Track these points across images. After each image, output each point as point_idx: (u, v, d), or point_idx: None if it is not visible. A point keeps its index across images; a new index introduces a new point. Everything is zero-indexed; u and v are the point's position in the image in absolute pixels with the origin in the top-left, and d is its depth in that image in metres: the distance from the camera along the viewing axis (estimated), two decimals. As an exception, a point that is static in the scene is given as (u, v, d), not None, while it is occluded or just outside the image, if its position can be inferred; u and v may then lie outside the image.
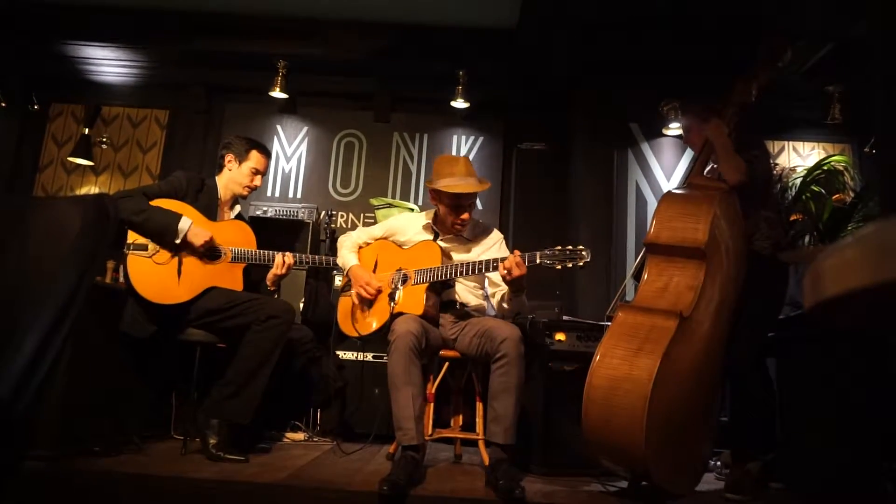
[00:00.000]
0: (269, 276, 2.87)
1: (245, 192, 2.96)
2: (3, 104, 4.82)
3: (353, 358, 3.61)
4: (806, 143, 4.89)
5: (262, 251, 2.83)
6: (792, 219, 4.06)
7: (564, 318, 3.13)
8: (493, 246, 2.81)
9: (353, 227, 4.87)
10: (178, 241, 2.63)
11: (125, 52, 4.75)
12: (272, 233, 3.82)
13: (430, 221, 2.85)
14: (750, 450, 2.47)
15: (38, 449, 2.20)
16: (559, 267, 2.33)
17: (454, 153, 4.99)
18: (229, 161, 2.94)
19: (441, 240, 2.78)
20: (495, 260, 2.45)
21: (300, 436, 3.27)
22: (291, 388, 2.97)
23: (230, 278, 2.76)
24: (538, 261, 2.36)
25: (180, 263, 2.68)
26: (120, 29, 4.56)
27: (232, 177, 2.93)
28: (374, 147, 5.08)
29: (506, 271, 2.37)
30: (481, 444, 2.69)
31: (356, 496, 2.08)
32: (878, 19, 2.56)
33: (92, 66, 4.90)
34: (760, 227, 2.55)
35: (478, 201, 4.89)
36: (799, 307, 2.93)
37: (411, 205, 4.49)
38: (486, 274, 2.73)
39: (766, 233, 2.55)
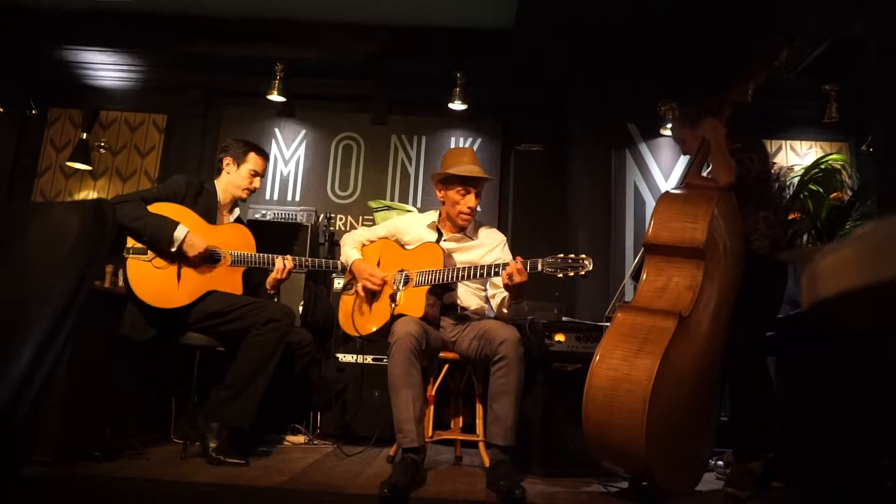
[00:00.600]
0: (269, 280, 2.86)
1: (244, 195, 2.96)
2: (2, 109, 4.82)
3: (353, 360, 3.60)
4: (803, 141, 4.90)
5: (261, 255, 2.83)
6: (790, 218, 4.07)
7: (563, 318, 3.13)
8: (496, 248, 2.82)
9: (352, 230, 4.87)
10: (173, 250, 2.62)
11: (123, 57, 4.75)
12: (271, 236, 3.83)
13: (434, 220, 2.85)
14: (750, 449, 2.48)
15: (37, 454, 2.20)
16: (560, 276, 2.34)
17: (451, 148, 4.99)
18: (227, 164, 2.94)
19: (445, 240, 2.79)
20: (497, 265, 2.46)
21: (300, 439, 3.27)
22: (291, 390, 2.97)
23: (230, 282, 2.76)
24: (540, 268, 2.36)
25: (180, 267, 2.67)
26: (118, 33, 4.56)
27: (230, 180, 2.93)
28: (372, 149, 5.08)
29: (507, 278, 2.38)
30: (481, 446, 2.69)
31: (357, 499, 2.08)
32: (876, 17, 2.56)
33: (90, 70, 4.90)
34: (759, 226, 2.55)
35: (476, 203, 4.91)
36: (798, 306, 2.93)
37: (410, 207, 4.49)
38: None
39: (765, 232, 2.55)
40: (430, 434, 2.65)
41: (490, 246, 2.81)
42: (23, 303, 1.01)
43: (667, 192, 2.46)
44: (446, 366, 2.84)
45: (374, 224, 4.20)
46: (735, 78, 2.53)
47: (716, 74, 2.75)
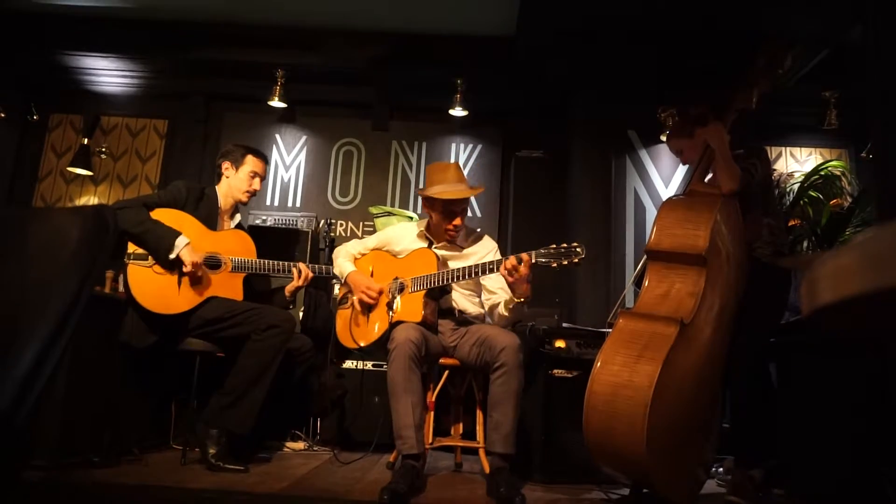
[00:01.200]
0: (289, 287, 2.88)
1: (245, 198, 2.95)
2: (3, 115, 4.83)
3: (353, 367, 3.60)
4: (803, 148, 4.91)
5: (262, 261, 2.83)
6: (790, 224, 4.07)
7: (564, 325, 3.13)
8: (488, 254, 2.81)
9: (353, 236, 4.88)
10: (172, 256, 2.62)
11: (124, 63, 4.77)
12: (272, 242, 3.83)
13: (423, 230, 2.85)
14: (752, 456, 2.47)
15: (37, 459, 2.20)
16: (555, 265, 2.33)
17: (453, 161, 4.99)
18: (226, 168, 2.94)
19: (435, 248, 2.78)
20: (491, 263, 2.45)
21: (300, 445, 3.26)
22: (291, 397, 2.96)
23: (230, 288, 2.76)
24: (533, 259, 2.35)
25: (180, 273, 2.67)
26: (119, 39, 4.58)
27: (231, 183, 2.93)
28: (372, 155, 5.09)
29: (507, 273, 2.37)
30: (482, 453, 2.68)
31: (356, 505, 2.08)
32: (875, 23, 2.57)
33: (91, 76, 4.92)
34: (762, 233, 2.55)
35: (476, 208, 4.92)
36: (798, 313, 2.93)
37: (410, 213, 4.50)
38: (482, 281, 2.73)
39: (768, 239, 2.55)
40: (430, 440, 2.64)
41: (481, 254, 2.81)
42: (23, 308, 1.01)
43: (669, 199, 2.46)
44: (446, 372, 2.84)
45: (375, 230, 4.21)
46: (739, 85, 2.54)
47: (716, 81, 2.76)
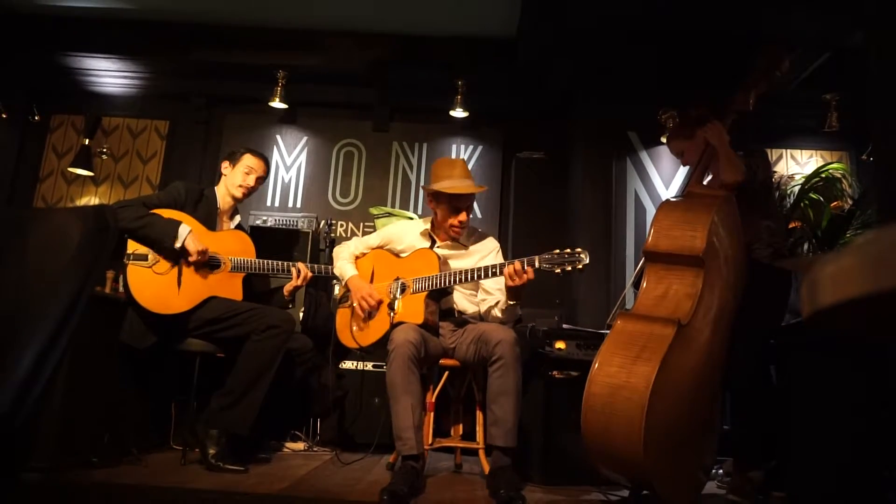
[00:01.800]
0: (288, 287, 2.88)
1: (239, 194, 2.94)
2: (4, 115, 4.84)
3: (353, 367, 3.60)
4: (804, 150, 4.91)
5: (261, 261, 2.83)
6: (790, 226, 4.07)
7: (564, 326, 3.13)
8: (490, 254, 2.81)
9: (353, 237, 4.87)
10: (178, 246, 2.62)
11: (125, 63, 4.78)
12: (272, 242, 3.83)
13: (427, 228, 2.85)
14: (752, 458, 2.47)
15: (36, 460, 2.20)
16: (558, 271, 2.33)
17: (442, 158, 5.00)
18: (225, 168, 2.97)
19: (438, 247, 2.78)
20: (494, 266, 2.45)
21: (300, 446, 3.26)
22: (291, 397, 2.97)
23: (230, 288, 2.76)
24: (537, 265, 2.36)
25: (180, 273, 2.68)
26: (120, 40, 4.59)
27: (227, 181, 2.95)
28: (373, 156, 5.09)
29: (509, 278, 2.37)
30: (481, 454, 2.68)
31: (356, 506, 2.07)
32: (875, 26, 2.57)
33: (92, 77, 4.92)
34: (761, 235, 2.55)
35: (477, 210, 4.92)
36: (799, 315, 2.93)
37: (411, 213, 4.49)
38: (481, 281, 2.73)
39: (767, 241, 2.55)
40: (429, 441, 2.64)
41: (483, 253, 2.81)
42: (24, 308, 1.01)
43: (667, 201, 2.47)
44: (446, 373, 2.84)
45: (375, 231, 4.21)
46: (737, 87, 2.54)
47: (716, 83, 2.76)
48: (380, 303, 2.68)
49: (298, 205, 5.00)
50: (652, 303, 2.23)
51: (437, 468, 2.91)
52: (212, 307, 2.68)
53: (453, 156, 5.06)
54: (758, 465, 2.46)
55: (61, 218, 1.15)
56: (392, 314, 2.57)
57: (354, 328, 2.73)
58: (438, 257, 2.65)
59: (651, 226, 2.33)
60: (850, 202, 4.16)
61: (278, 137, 5.11)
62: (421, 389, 2.43)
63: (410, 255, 2.75)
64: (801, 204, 4.23)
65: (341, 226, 4.95)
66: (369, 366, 3.58)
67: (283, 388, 2.76)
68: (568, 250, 2.34)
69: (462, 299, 2.78)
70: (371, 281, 2.79)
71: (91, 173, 4.96)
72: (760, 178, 2.54)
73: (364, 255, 2.91)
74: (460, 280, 2.55)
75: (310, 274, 2.87)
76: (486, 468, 2.53)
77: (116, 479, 2.23)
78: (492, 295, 2.71)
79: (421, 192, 5.00)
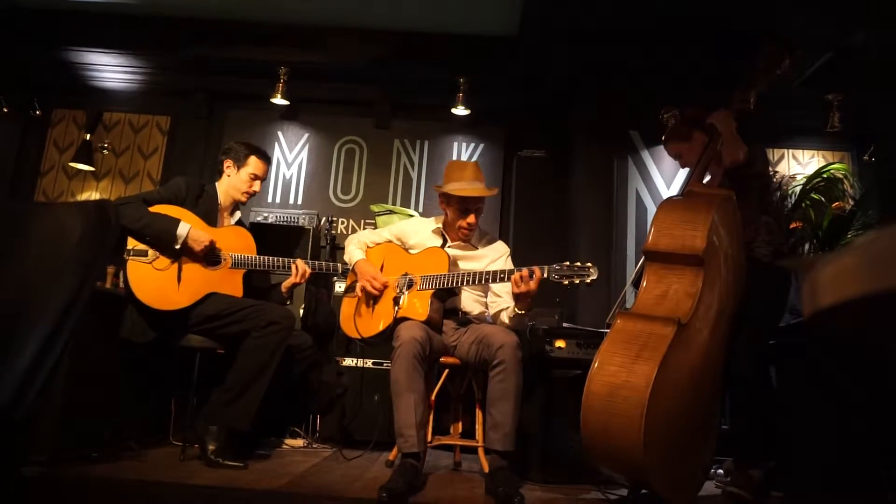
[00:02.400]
0: (287, 283, 2.87)
1: (244, 199, 2.96)
2: (6, 109, 4.83)
3: (353, 364, 3.60)
4: (805, 151, 4.90)
5: (262, 257, 2.83)
6: (791, 227, 4.07)
7: (564, 325, 3.13)
8: (500, 258, 2.82)
9: (357, 232, 4.87)
10: (177, 247, 2.63)
11: (127, 59, 4.77)
12: (273, 239, 3.83)
13: (439, 226, 2.85)
14: (751, 458, 2.47)
15: (36, 454, 2.20)
16: (566, 283, 2.35)
17: (455, 160, 5.01)
18: (228, 167, 2.95)
19: (449, 246, 2.79)
20: (503, 272, 2.46)
21: (299, 442, 3.26)
22: (291, 394, 2.97)
23: (230, 284, 2.76)
24: (546, 275, 2.37)
25: (180, 269, 2.68)
26: (122, 35, 4.58)
27: (231, 182, 2.94)
28: (374, 154, 5.09)
29: (515, 285, 2.38)
30: (481, 452, 2.69)
31: (355, 503, 2.08)
32: (877, 24, 2.57)
33: (94, 72, 4.92)
34: (760, 233, 2.55)
35: (479, 208, 4.91)
36: (799, 315, 2.93)
37: (411, 211, 4.49)
38: (490, 284, 2.74)
39: (766, 239, 2.55)
40: (429, 439, 2.64)
41: (493, 257, 2.81)
42: (24, 303, 1.01)
43: (667, 200, 2.47)
44: (446, 371, 2.84)
45: (376, 228, 4.21)
46: (737, 87, 2.54)
47: (717, 83, 2.76)
48: (385, 286, 2.68)
49: (299, 202, 4.99)
50: (652, 302, 2.23)
51: (437, 466, 2.92)
52: (212, 303, 2.68)
53: (454, 154, 5.06)
54: (757, 464, 2.46)
55: (62, 213, 1.15)
56: (397, 309, 2.58)
57: (358, 319, 2.73)
58: (449, 257, 2.65)
59: (651, 225, 2.33)
60: (851, 203, 4.15)
61: (279, 134, 5.10)
62: (425, 387, 2.43)
63: (422, 253, 2.75)
64: (803, 204, 4.22)
65: (342, 223, 4.95)
66: (369, 363, 3.58)
67: (283, 384, 2.77)
68: (578, 264, 2.36)
69: (468, 300, 2.78)
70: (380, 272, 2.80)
71: (92, 168, 4.96)
72: (759, 168, 2.55)
73: (377, 244, 2.91)
74: (468, 282, 2.55)
75: (308, 271, 2.87)
76: (486, 466, 2.53)
77: (116, 473, 2.24)
78: (501, 297, 2.71)
79: (422, 190, 5.01)
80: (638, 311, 2.23)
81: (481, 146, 5.06)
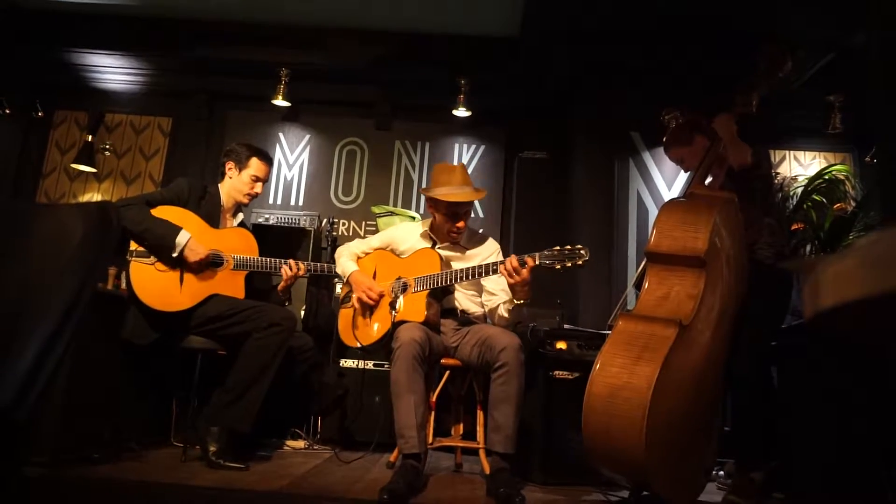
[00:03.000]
0: (281, 285, 2.87)
1: (245, 200, 2.96)
2: (8, 111, 4.84)
3: (354, 366, 3.60)
4: (807, 152, 4.90)
5: (264, 259, 2.84)
6: (793, 228, 4.06)
7: (565, 326, 3.12)
8: (491, 255, 2.82)
9: (355, 235, 4.88)
10: (174, 255, 2.62)
11: (128, 60, 4.78)
12: (274, 240, 3.84)
13: (427, 230, 2.85)
14: (753, 459, 2.46)
15: (37, 455, 2.20)
16: (559, 267, 2.32)
17: (455, 161, 5.01)
18: (230, 169, 2.95)
19: (438, 248, 2.78)
20: (495, 264, 2.45)
21: (300, 443, 3.26)
22: (292, 395, 2.97)
23: (232, 286, 2.77)
24: (537, 261, 2.35)
25: (182, 271, 2.68)
26: (123, 36, 4.59)
27: (232, 184, 2.94)
28: (375, 155, 5.09)
29: (507, 274, 2.36)
30: (482, 453, 2.68)
31: (356, 504, 2.08)
32: (878, 24, 2.57)
33: (95, 73, 4.93)
34: (763, 235, 2.55)
35: (479, 209, 4.92)
36: (800, 316, 2.92)
37: (413, 213, 4.50)
38: (483, 282, 2.74)
39: (769, 240, 2.55)
40: (430, 441, 2.64)
41: (484, 255, 2.81)
42: (26, 304, 1.01)
43: (669, 201, 2.47)
44: (447, 372, 2.84)
45: (377, 229, 4.21)
46: (739, 89, 2.54)
47: (719, 83, 2.76)
48: (381, 296, 2.68)
49: (300, 203, 5.00)
50: (653, 303, 2.23)
51: (438, 467, 2.91)
52: (214, 304, 2.68)
53: (455, 155, 5.07)
54: (759, 465, 2.46)
55: (64, 214, 1.15)
56: (394, 313, 2.57)
57: (357, 328, 2.74)
58: (440, 256, 2.65)
59: (653, 226, 2.33)
60: (852, 204, 4.15)
61: (281, 135, 5.11)
62: (425, 388, 2.43)
63: (412, 255, 2.75)
64: (804, 205, 4.22)
65: (343, 224, 4.95)
66: (370, 364, 3.58)
67: (284, 385, 2.77)
68: (568, 247, 2.33)
69: (464, 299, 2.79)
70: (373, 280, 2.79)
71: (94, 170, 4.97)
72: (762, 170, 2.55)
73: (367, 254, 2.91)
74: (461, 278, 2.55)
75: (302, 269, 2.85)
76: (487, 468, 2.53)
77: (117, 474, 2.24)
78: (496, 295, 2.71)
79: (423, 191, 5.01)
80: (639, 312, 2.23)
81: (482, 147, 5.06)
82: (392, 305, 2.61)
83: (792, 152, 4.90)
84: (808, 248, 4.05)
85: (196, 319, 2.66)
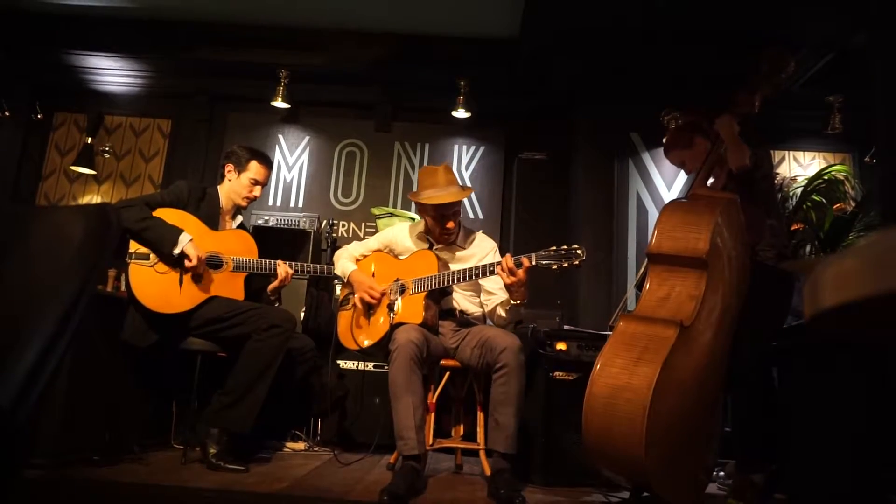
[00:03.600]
0: (272, 285, 2.87)
1: (244, 203, 2.96)
2: (7, 113, 4.84)
3: (354, 367, 3.60)
4: (806, 152, 4.90)
5: (263, 260, 2.84)
6: (793, 228, 4.07)
7: (566, 327, 3.12)
8: (488, 255, 2.82)
9: (355, 237, 4.88)
10: (176, 252, 2.62)
11: (128, 62, 4.78)
12: (274, 242, 3.83)
13: (423, 231, 2.86)
14: (753, 460, 2.46)
15: (37, 457, 2.20)
16: (555, 267, 2.32)
17: (455, 162, 5.01)
18: (229, 171, 2.94)
19: (436, 249, 2.79)
20: (492, 265, 2.45)
21: (300, 445, 3.26)
22: (292, 397, 2.97)
23: (231, 287, 2.77)
24: (534, 262, 2.35)
25: (182, 273, 2.68)
26: (123, 38, 4.60)
27: (231, 187, 2.94)
28: (375, 156, 5.09)
29: (504, 275, 2.36)
30: (482, 454, 2.68)
31: (356, 506, 2.08)
32: (878, 26, 2.57)
33: (95, 75, 4.93)
34: (765, 236, 2.55)
35: (479, 211, 4.92)
36: (801, 317, 2.92)
37: (412, 214, 4.49)
38: (481, 282, 2.73)
39: (770, 241, 2.55)
40: (430, 442, 2.64)
41: (480, 255, 2.81)
42: (26, 306, 1.01)
43: (670, 202, 2.47)
44: (447, 373, 2.84)
45: (377, 231, 4.21)
46: (741, 90, 2.54)
47: (719, 84, 2.76)
48: (383, 294, 2.68)
49: (300, 204, 5.00)
50: (654, 304, 2.23)
51: (438, 469, 2.91)
52: (213, 306, 2.68)
53: (455, 156, 5.06)
54: (760, 467, 2.46)
55: (64, 216, 1.15)
56: (392, 315, 2.57)
57: (356, 330, 2.74)
58: (437, 258, 2.65)
59: (654, 227, 2.33)
60: (852, 204, 4.15)
61: (280, 137, 5.11)
62: (423, 389, 2.43)
63: (410, 257, 2.75)
64: (804, 206, 4.22)
65: (343, 226, 4.95)
66: (370, 366, 3.58)
67: (284, 387, 2.77)
68: (565, 247, 2.33)
69: (463, 300, 2.79)
70: None
71: (93, 172, 4.97)
72: (765, 171, 2.55)
73: (365, 256, 2.91)
74: (458, 280, 2.55)
75: (290, 272, 2.85)
76: (487, 469, 2.53)
77: (117, 477, 2.24)
78: (494, 295, 2.71)
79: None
80: (640, 313, 2.23)
81: (482, 148, 5.07)
82: (391, 307, 2.61)
83: (791, 152, 4.90)
84: (809, 248, 4.05)
85: (196, 321, 2.66)
